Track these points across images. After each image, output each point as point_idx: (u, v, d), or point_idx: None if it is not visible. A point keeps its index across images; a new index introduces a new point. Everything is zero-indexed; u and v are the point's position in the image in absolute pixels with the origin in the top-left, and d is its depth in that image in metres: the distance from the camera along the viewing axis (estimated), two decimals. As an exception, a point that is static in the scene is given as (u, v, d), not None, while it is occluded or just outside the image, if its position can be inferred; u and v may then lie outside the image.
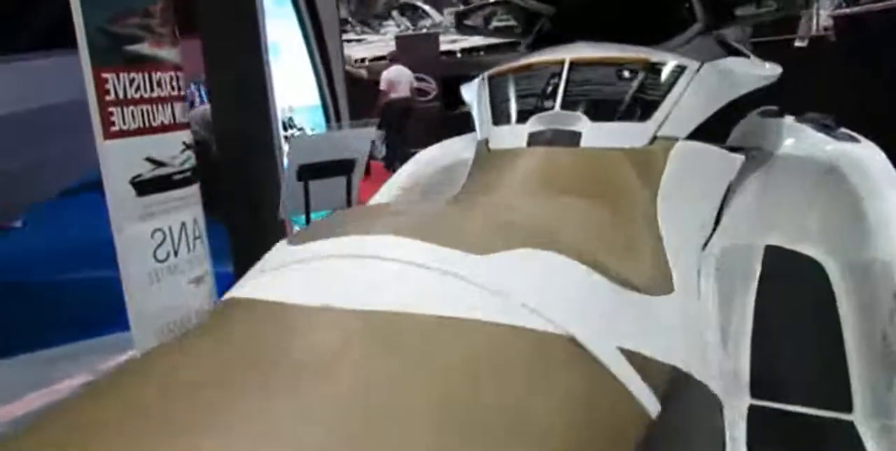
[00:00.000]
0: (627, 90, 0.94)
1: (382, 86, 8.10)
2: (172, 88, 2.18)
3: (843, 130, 1.23)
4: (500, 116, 1.01)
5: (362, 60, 11.55)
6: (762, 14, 1.16)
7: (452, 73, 10.06)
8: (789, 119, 1.25)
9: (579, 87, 0.96)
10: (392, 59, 8.84)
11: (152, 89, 2.09)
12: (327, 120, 3.28)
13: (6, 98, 2.97)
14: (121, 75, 2.00)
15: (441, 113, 9.10)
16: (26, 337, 3.10)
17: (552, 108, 0.94)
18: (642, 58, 0.97)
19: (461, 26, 1.43)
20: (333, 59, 3.37)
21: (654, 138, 0.92)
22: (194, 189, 2.30)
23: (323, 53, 3.27)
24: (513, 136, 0.96)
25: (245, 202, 2.77)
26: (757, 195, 1.14)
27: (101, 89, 1.95)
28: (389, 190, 1.38)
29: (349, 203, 2.01)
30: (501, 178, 0.88)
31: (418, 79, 8.95)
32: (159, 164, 2.12)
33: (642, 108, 0.94)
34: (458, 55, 15.36)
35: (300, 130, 3.04)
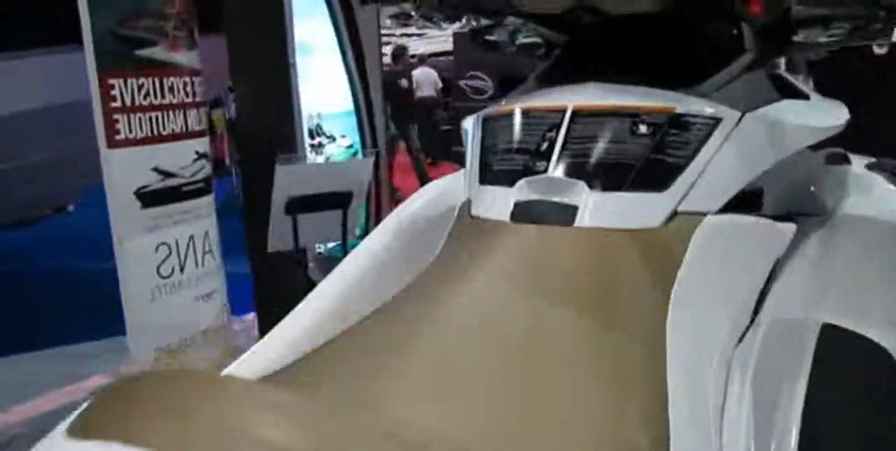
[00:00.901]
0: (642, 150, 0.76)
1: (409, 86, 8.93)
2: (187, 94, 2.06)
3: None
4: (486, 173, 0.84)
5: (420, 58, 11.52)
6: (830, 42, 0.96)
7: (510, 71, 9.85)
8: (858, 166, 1.05)
9: (581, 144, 0.77)
10: (420, 60, 9.79)
11: (163, 96, 1.97)
12: (360, 128, 3.14)
13: (64, 87, 2.97)
14: (129, 80, 1.88)
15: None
16: (59, 330, 3.07)
17: (545, 170, 0.76)
18: (665, 107, 0.78)
19: (482, 43, 1.25)
20: (370, 62, 3.22)
21: (674, 214, 0.74)
22: (207, 200, 2.18)
23: (358, 56, 3.12)
24: (496, 203, 0.79)
25: (265, 209, 2.65)
26: (812, 263, 0.94)
27: (107, 95, 1.84)
28: (386, 229, 1.21)
29: (345, 238, 1.86)
30: (474, 264, 0.72)
31: (472, 77, 9.09)
32: (167, 174, 2.00)
33: (660, 174, 0.75)
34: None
35: (330, 137, 2.91)
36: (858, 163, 1.08)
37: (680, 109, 0.77)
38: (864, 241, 0.98)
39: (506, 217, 0.76)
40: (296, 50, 2.55)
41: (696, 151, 0.76)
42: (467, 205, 0.84)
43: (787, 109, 0.86)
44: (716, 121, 0.78)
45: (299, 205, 1.80)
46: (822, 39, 0.97)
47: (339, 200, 1.82)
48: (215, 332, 2.25)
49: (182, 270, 2.09)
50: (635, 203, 0.74)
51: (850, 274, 0.97)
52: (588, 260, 0.70)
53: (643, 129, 0.76)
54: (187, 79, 2.06)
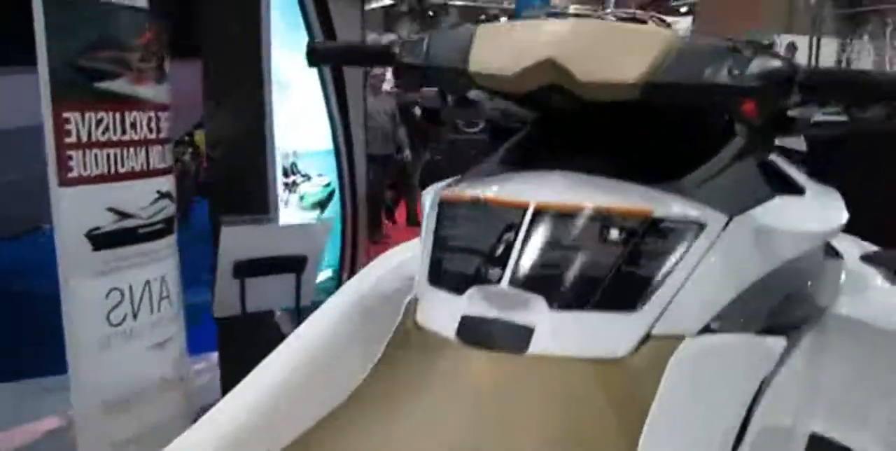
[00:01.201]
0: (612, 261, 0.64)
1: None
2: (150, 131, 1.94)
3: None
4: (436, 272, 0.73)
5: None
6: (831, 122, 0.86)
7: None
8: (853, 258, 0.95)
9: (541, 250, 0.66)
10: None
11: (124, 131, 1.85)
12: (338, 167, 3.03)
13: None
14: (86, 114, 1.76)
15: (486, 145, 8.93)
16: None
17: (499, 279, 0.65)
18: (641, 209, 0.67)
19: (460, 104, 1.13)
20: (353, 97, 3.12)
21: (647, 338, 0.63)
22: (166, 242, 2.04)
23: (340, 91, 3.03)
24: (443, 314, 0.68)
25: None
26: (803, 372, 0.83)
27: (61, 129, 1.72)
28: (341, 302, 1.10)
29: (298, 303, 1.73)
30: (421, 385, 0.61)
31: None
32: (124, 215, 1.87)
33: (632, 290, 0.64)
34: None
35: (305, 176, 2.79)
36: (854, 253, 0.98)
37: (658, 212, 0.66)
38: (856, 348, 0.88)
39: (451, 334, 0.65)
40: (272, 86, 2.44)
41: (676, 262, 0.64)
42: (413, 306, 0.73)
43: (779, 211, 0.75)
44: (699, 226, 0.66)
45: (248, 268, 1.67)
46: (821, 118, 0.88)
47: (291, 265, 1.69)
48: (170, 383, 2.10)
49: (135, 317, 1.94)
50: (601, 326, 0.62)
51: (841, 384, 0.86)
52: (543, 397, 0.59)
53: (614, 235, 0.65)
54: (152, 114, 1.94)
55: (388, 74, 5.95)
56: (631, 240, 0.65)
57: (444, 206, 0.79)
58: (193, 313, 2.41)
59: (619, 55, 0.69)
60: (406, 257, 1.09)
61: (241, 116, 2.37)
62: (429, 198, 0.87)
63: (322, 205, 2.96)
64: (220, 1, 2.44)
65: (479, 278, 0.67)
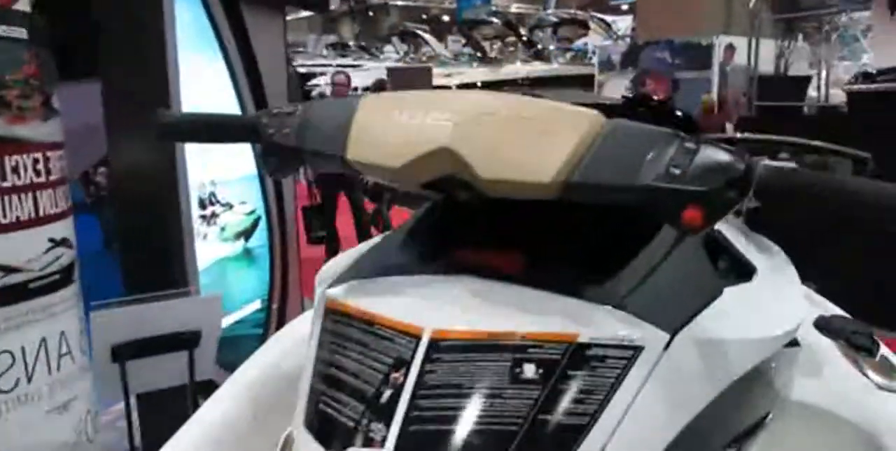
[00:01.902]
0: (527, 408, 0.52)
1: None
2: (38, 174, 1.76)
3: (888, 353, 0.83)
4: (312, 412, 0.60)
5: (355, 89, 12.24)
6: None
7: None
8: (812, 333, 0.84)
9: (436, 398, 0.53)
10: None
11: (4, 178, 1.67)
12: (263, 192, 2.86)
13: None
14: (-45, 162, 1.57)
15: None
16: None
17: (382, 442, 0.52)
18: (563, 335, 0.54)
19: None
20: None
21: None
22: (64, 294, 1.86)
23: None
24: None
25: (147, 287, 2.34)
26: None
27: (-75, 181, 1.53)
28: (239, 383, 0.99)
29: (192, 380, 1.58)
30: None
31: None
32: (8, 270, 1.69)
33: (554, 442, 0.52)
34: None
35: (226, 205, 2.62)
36: (812, 324, 0.88)
37: (584, 336, 0.54)
38: (816, 437, 0.78)
39: None
40: (181, 107, 2.27)
41: (607, 399, 0.52)
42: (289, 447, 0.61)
43: (729, 314, 0.63)
44: (635, 350, 0.54)
45: (128, 351, 1.51)
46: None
47: (181, 342, 1.53)
48: (76, 446, 1.92)
49: (30, 380, 1.76)
50: None
51: None
52: None
53: (530, 372, 0.52)
54: (38, 155, 1.76)
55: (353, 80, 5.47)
56: (551, 376, 0.53)
57: (330, 314, 0.66)
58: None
59: (530, 147, 0.56)
60: (303, 335, 0.98)
61: (147, 153, 2.20)
62: (318, 291, 0.74)
63: (246, 234, 2.79)
64: (119, 17, 2.26)
65: (358, 435, 0.54)
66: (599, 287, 0.60)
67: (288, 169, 0.70)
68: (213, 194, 2.54)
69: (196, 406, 1.68)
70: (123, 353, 1.49)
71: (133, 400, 2.64)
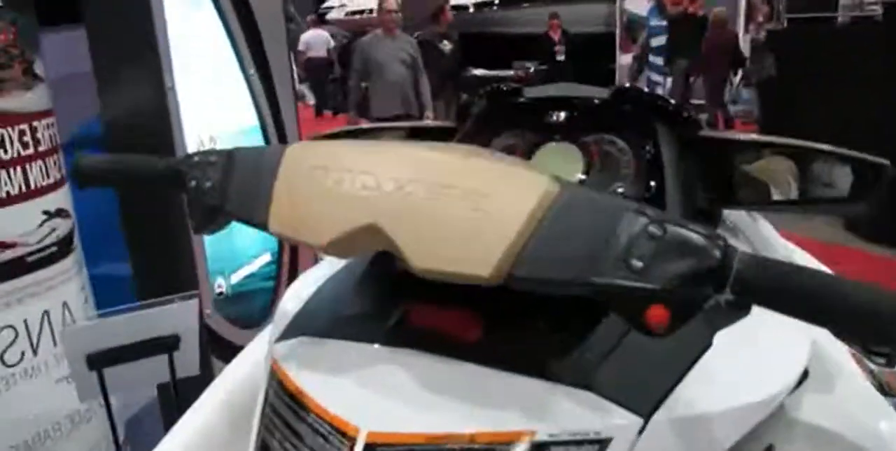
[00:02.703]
0: None
1: (300, 47, 10.36)
2: (25, 145, 1.71)
3: None
4: None
5: (362, 12, 12.27)
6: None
7: (465, 30, 9.36)
8: (824, 333, 0.78)
9: None
10: (312, 23, 11.89)
11: (-12, 153, 1.62)
12: (267, 144, 2.79)
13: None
14: (-65, 140, 1.53)
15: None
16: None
17: None
18: (516, 433, 0.49)
19: None
20: (276, 64, 2.86)
21: None
22: (63, 265, 1.85)
23: (260, 61, 2.76)
24: None
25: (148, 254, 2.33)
26: None
27: None
28: (216, 395, 0.97)
29: (174, 380, 1.56)
30: None
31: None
32: (4, 245, 1.67)
33: None
34: (471, 10, 14.62)
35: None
36: (820, 332, 0.82)
37: (542, 433, 0.48)
38: None
39: None
40: (174, 67, 2.18)
41: None
42: None
43: (718, 373, 0.56)
44: (601, 444, 0.49)
45: (104, 359, 1.49)
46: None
47: (160, 348, 1.51)
48: (88, 412, 1.95)
49: (35, 352, 1.77)
50: None
51: None
52: None
53: None
54: (24, 127, 1.71)
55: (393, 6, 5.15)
56: None
57: (273, 378, 0.62)
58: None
59: (466, 231, 0.48)
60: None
61: (136, 100, 2.13)
62: (272, 333, 0.70)
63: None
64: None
65: None
66: (562, 360, 0.54)
67: (214, 226, 0.63)
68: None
69: (179, 405, 1.69)
70: (99, 360, 1.48)
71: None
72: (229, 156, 0.62)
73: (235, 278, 2.65)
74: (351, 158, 0.55)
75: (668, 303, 0.46)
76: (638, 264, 0.45)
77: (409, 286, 0.59)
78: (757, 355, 0.62)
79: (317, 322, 0.67)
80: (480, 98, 1.01)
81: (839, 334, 0.45)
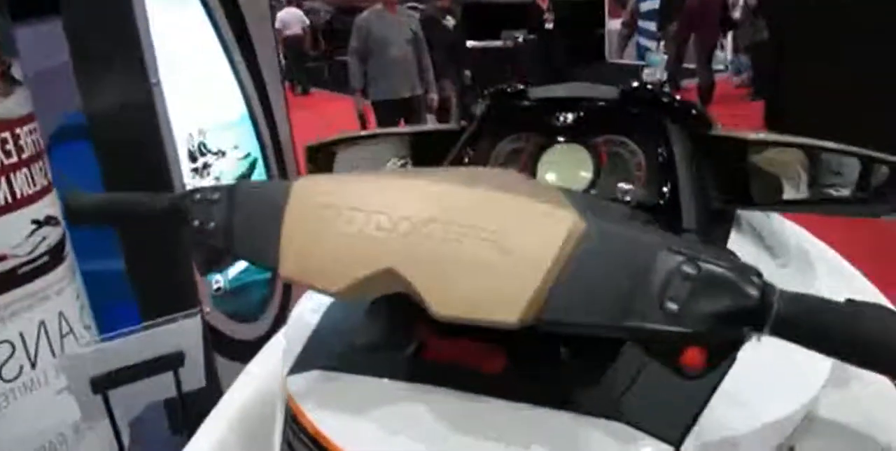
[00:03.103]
0: None
1: (277, 25, 9.92)
2: (7, 154, 1.65)
3: None
4: None
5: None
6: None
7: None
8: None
9: None
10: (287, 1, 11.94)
11: (-33, 164, 1.56)
12: (258, 136, 2.73)
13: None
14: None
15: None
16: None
17: None
18: None
19: None
20: (263, 51, 2.78)
21: None
22: (57, 275, 1.80)
23: (247, 49, 2.69)
24: None
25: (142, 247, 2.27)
26: None
27: None
28: (219, 422, 0.94)
29: (181, 395, 1.53)
30: None
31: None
32: (-7, 259, 1.62)
33: None
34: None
35: (218, 153, 2.51)
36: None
37: None
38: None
39: None
40: (158, 63, 2.11)
41: None
42: None
43: (743, 393, 0.54)
44: None
45: (108, 381, 1.45)
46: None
47: (164, 366, 1.47)
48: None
49: (34, 366, 1.73)
50: None
51: None
52: None
53: None
54: (5, 135, 1.65)
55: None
56: None
57: (291, 419, 0.59)
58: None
59: (489, 276, 0.45)
60: (268, 373, 0.92)
61: (120, 97, 2.06)
62: (284, 366, 0.67)
63: (245, 179, 2.69)
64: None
65: None
66: (588, 389, 0.52)
67: (220, 266, 0.60)
68: (202, 144, 2.41)
69: (187, 420, 1.66)
70: (103, 383, 1.44)
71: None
72: (231, 192, 0.58)
73: (233, 273, 2.61)
74: (361, 196, 0.51)
75: (703, 344, 0.44)
76: (673, 306, 0.43)
77: (422, 311, 0.56)
78: (780, 369, 0.59)
79: (329, 353, 0.64)
80: (484, 99, 0.98)
81: (889, 375, 0.42)
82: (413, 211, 0.49)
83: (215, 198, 0.58)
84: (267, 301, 2.82)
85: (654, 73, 9.43)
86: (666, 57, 9.34)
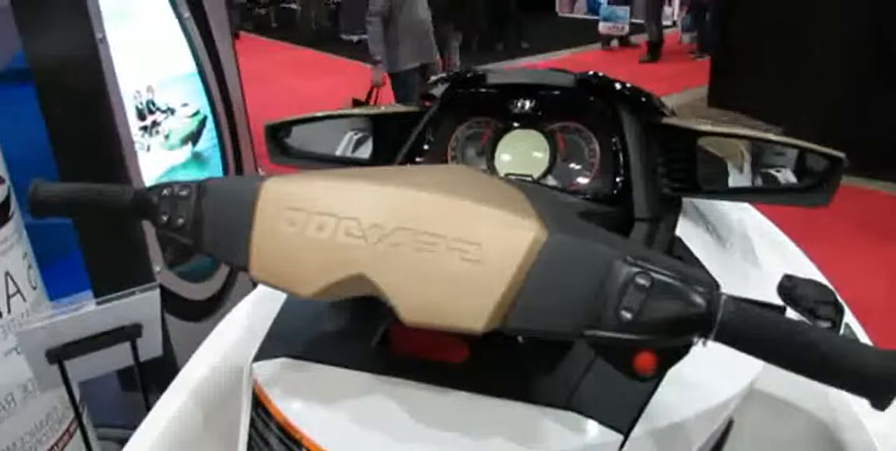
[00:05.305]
0: None
1: None
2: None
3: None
4: None
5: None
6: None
7: None
8: (775, 300, 0.80)
9: None
10: None
11: None
12: (208, 92, 2.68)
13: None
14: None
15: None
16: None
17: None
18: None
19: None
20: (213, 9, 2.70)
21: None
22: (3, 234, 1.77)
23: (195, 3, 2.61)
24: None
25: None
26: None
27: None
28: (178, 395, 0.96)
29: (139, 365, 1.54)
30: None
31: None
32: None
33: None
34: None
35: (167, 110, 2.46)
36: (772, 273, 0.84)
37: None
38: (772, 430, 0.76)
39: None
40: (103, 18, 2.05)
41: None
42: None
43: (690, 375, 0.58)
44: None
45: (65, 352, 1.45)
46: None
47: (121, 337, 1.47)
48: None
49: (-20, 326, 1.72)
50: None
51: None
52: None
53: None
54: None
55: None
56: None
57: (258, 406, 0.62)
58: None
59: (455, 285, 0.48)
60: (233, 343, 0.93)
61: (69, 69, 2.01)
62: (249, 363, 0.69)
63: (193, 137, 2.65)
64: None
65: None
66: (545, 380, 0.56)
67: (188, 260, 0.62)
68: (150, 102, 2.36)
69: (145, 389, 1.68)
70: (59, 354, 1.44)
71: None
72: (200, 189, 0.59)
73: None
74: (331, 201, 0.53)
75: (655, 350, 0.49)
76: (627, 316, 0.46)
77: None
78: (724, 349, 0.64)
79: (295, 341, 0.66)
80: (443, 82, 0.99)
81: (822, 382, 0.46)
82: (383, 219, 0.51)
83: (184, 194, 0.59)
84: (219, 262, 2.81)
85: (621, 27, 9.46)
86: (628, 8, 9.36)
